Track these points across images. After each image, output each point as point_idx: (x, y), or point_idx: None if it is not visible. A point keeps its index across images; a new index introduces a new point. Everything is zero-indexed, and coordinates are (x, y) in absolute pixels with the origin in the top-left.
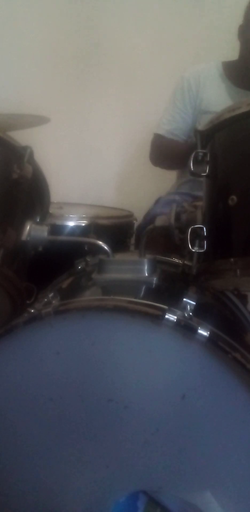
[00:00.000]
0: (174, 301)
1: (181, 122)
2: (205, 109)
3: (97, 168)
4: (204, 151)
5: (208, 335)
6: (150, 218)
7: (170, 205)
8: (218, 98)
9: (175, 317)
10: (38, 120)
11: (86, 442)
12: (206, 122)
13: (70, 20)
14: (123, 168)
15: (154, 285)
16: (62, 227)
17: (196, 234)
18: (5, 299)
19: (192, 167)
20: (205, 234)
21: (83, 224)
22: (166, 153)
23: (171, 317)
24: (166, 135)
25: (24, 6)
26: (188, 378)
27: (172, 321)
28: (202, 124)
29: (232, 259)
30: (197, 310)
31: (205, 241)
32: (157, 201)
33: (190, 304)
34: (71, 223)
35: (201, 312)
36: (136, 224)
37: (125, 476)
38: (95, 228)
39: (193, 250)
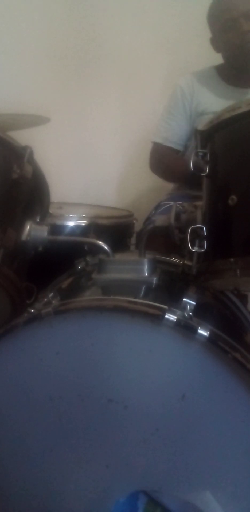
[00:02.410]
0: (174, 301)
1: (177, 128)
2: (202, 111)
3: (97, 168)
4: (204, 151)
5: (208, 335)
6: (149, 224)
7: (170, 211)
8: (215, 98)
9: (175, 317)
10: (38, 120)
11: (86, 442)
12: (206, 122)
13: (70, 20)
14: (123, 168)
15: (154, 285)
16: (62, 227)
17: (196, 234)
18: (5, 299)
19: (192, 167)
20: (205, 234)
21: (83, 224)
22: (163, 164)
23: (171, 317)
24: (163, 142)
25: (24, 6)
26: (188, 378)
27: (172, 321)
28: (202, 124)
29: (232, 259)
30: (197, 310)
31: (205, 241)
32: (157, 207)
33: (190, 304)
34: (71, 223)
35: (201, 312)
36: (136, 224)
37: (125, 476)
38: (95, 228)
39: (193, 250)
